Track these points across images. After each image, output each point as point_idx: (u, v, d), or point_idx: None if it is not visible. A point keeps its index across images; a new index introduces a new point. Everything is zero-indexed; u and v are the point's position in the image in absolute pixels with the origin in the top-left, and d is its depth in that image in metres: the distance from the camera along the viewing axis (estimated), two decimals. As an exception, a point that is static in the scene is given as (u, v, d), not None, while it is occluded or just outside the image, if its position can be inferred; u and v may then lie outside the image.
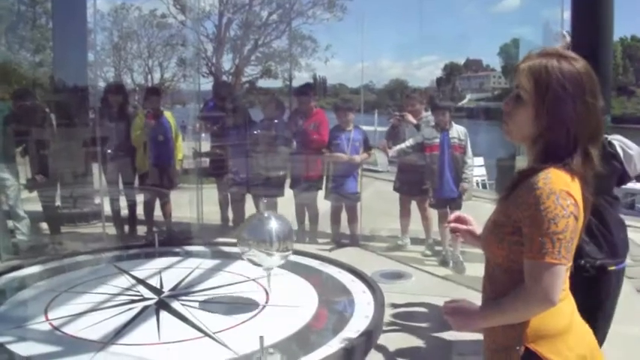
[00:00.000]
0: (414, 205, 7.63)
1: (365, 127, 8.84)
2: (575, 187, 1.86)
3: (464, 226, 2.37)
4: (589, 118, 1.88)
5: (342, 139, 7.53)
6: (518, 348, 1.92)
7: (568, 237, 1.82)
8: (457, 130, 6.97)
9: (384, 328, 4.30)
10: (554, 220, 1.79)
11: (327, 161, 7.65)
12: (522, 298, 1.87)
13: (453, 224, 2.38)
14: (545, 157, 1.91)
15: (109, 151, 7.88)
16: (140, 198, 8.12)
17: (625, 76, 62.91)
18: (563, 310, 1.92)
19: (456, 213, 2.45)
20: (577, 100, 1.87)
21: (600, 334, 3.51)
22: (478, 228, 2.32)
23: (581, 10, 5.34)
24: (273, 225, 3.89)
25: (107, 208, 8.08)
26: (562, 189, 1.82)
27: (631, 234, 4.15)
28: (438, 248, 7.38)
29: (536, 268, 1.83)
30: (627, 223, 3.91)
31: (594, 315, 3.44)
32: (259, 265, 4.01)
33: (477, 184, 15.06)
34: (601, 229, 3.41)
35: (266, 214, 3.97)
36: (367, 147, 7.69)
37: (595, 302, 3.40)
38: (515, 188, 1.92)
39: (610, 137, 3.49)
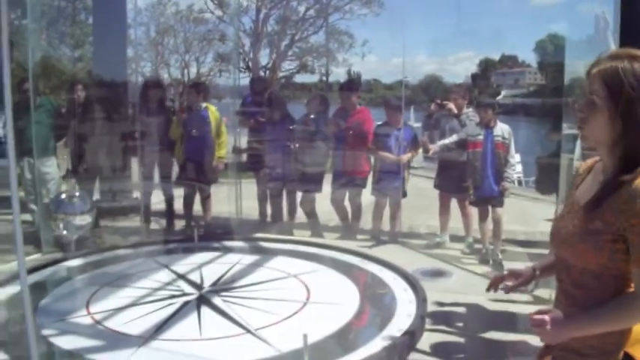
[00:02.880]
0: (453, 202, 7.52)
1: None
2: None
3: (514, 282, 2.30)
4: None
5: (391, 137, 7.42)
6: (617, 353, 1.88)
7: None
8: (502, 129, 6.84)
9: (426, 326, 4.24)
10: None
11: (375, 157, 7.59)
12: (633, 306, 1.85)
13: (509, 285, 2.32)
14: (626, 162, 1.86)
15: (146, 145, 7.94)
16: (179, 192, 8.13)
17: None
18: None
19: (507, 285, 2.34)
20: None
21: None
22: (523, 273, 2.29)
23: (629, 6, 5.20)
24: (76, 201, 5.57)
25: (146, 202, 8.13)
26: None
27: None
28: (477, 246, 7.27)
29: None
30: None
31: None
32: (64, 233, 5.41)
33: (513, 181, 14.85)
34: None
35: (77, 194, 5.79)
36: (415, 145, 7.57)
37: None
38: (609, 195, 1.87)
39: None
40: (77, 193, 5.84)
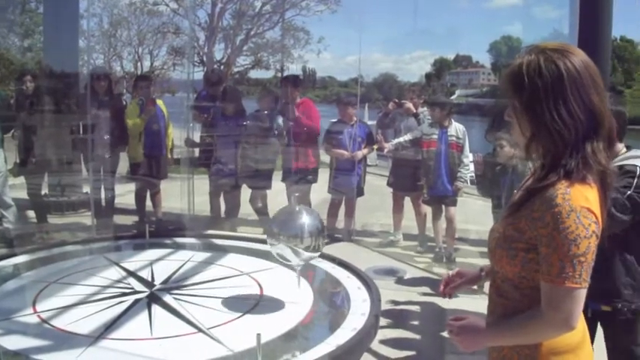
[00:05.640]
0: (407, 200, 7.57)
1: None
2: (594, 199, 1.72)
3: (458, 281, 2.28)
4: (581, 117, 1.70)
5: (344, 134, 7.44)
6: None
7: (589, 259, 1.69)
8: (456, 128, 6.91)
9: (380, 325, 4.23)
10: (574, 241, 1.66)
11: (330, 156, 7.62)
12: (539, 322, 1.76)
13: (447, 289, 2.31)
14: (544, 166, 1.79)
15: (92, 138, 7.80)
16: (129, 187, 8.03)
17: (614, 76, 63.10)
18: (578, 326, 1.80)
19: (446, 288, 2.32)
20: (561, 98, 1.69)
21: None
22: (469, 272, 2.28)
23: (580, 9, 5.28)
24: (305, 220, 3.68)
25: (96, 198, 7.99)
26: (583, 206, 1.68)
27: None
28: (430, 244, 7.32)
29: (556, 292, 1.71)
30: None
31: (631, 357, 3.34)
32: (288, 261, 3.84)
33: (466, 181, 15.03)
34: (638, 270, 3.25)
35: (297, 208, 3.73)
36: (370, 142, 7.59)
37: (630, 345, 3.31)
38: (527, 201, 1.78)
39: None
40: (300, 208, 3.75)
